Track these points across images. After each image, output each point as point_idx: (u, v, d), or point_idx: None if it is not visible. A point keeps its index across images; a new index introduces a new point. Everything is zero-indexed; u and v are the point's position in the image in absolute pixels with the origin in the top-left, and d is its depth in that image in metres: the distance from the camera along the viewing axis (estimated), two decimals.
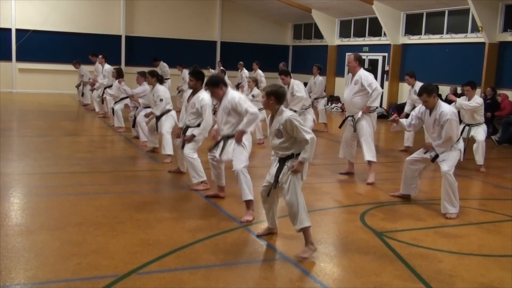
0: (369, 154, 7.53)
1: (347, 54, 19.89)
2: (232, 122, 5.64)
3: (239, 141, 5.56)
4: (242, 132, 5.57)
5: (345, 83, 7.87)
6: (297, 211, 4.41)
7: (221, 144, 5.73)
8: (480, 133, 8.74)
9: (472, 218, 5.92)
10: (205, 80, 6.19)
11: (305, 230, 4.44)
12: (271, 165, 4.73)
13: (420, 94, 6.02)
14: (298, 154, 4.48)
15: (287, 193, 4.46)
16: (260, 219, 5.44)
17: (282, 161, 4.56)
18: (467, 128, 8.82)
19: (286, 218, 5.39)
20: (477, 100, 8.64)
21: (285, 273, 4.16)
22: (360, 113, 7.53)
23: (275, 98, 4.50)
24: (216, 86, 5.72)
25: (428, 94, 5.94)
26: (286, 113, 4.49)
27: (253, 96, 10.70)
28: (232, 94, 5.70)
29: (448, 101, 8.51)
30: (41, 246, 4.49)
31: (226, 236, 4.96)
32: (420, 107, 6.34)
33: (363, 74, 7.47)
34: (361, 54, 18.98)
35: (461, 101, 8.68)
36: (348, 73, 7.88)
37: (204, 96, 6.43)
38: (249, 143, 5.68)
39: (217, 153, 5.76)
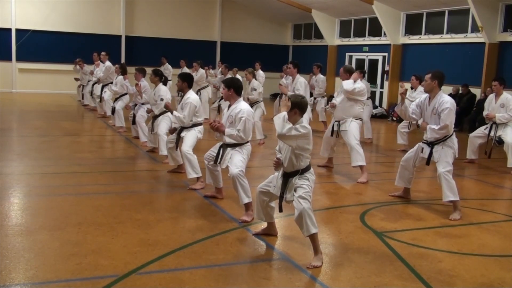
0: (358, 159, 7.59)
1: (347, 54, 20.02)
2: None
3: (213, 127, 5.59)
4: (223, 131, 5.59)
5: (336, 91, 8.10)
6: (303, 217, 4.27)
7: (220, 152, 5.72)
8: (508, 133, 8.75)
9: (472, 218, 5.92)
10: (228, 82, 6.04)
11: (313, 237, 4.34)
12: (277, 174, 4.62)
13: (427, 73, 6.08)
14: (304, 172, 4.42)
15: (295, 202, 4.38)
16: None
17: (287, 175, 4.47)
18: (494, 126, 8.87)
19: (285, 218, 5.40)
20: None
21: (285, 273, 4.16)
22: (348, 120, 7.70)
23: (298, 110, 4.37)
24: (227, 88, 5.73)
25: (432, 77, 5.99)
26: (305, 124, 4.36)
27: (254, 89, 10.70)
28: (242, 107, 5.65)
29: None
30: (41, 246, 4.49)
31: (226, 236, 4.96)
32: (420, 98, 6.38)
33: (357, 82, 7.71)
34: (361, 54, 19.25)
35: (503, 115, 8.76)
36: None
37: (191, 95, 6.77)
38: (247, 152, 5.69)
39: (217, 161, 5.77)
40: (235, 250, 4.63)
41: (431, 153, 6.06)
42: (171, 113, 6.85)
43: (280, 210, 4.61)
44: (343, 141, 7.90)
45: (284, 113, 4.29)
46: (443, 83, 6.10)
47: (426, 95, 6.24)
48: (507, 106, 8.73)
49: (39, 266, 4.07)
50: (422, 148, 6.24)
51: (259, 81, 11.71)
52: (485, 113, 9.10)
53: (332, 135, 7.90)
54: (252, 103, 10.61)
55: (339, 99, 7.83)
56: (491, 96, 9.13)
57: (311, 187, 4.42)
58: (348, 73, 7.76)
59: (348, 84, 7.61)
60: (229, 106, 5.80)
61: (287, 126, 4.23)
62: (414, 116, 6.36)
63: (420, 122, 6.38)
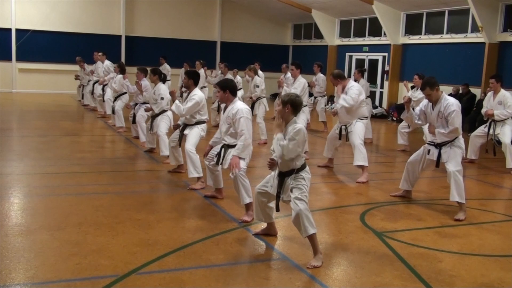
0: (359, 159, 7.58)
1: (347, 54, 20.02)
2: (233, 132, 5.60)
3: (235, 167, 5.32)
4: (238, 158, 5.39)
5: (335, 95, 8.09)
6: (300, 218, 4.28)
7: (222, 152, 5.69)
8: (506, 133, 8.74)
9: (472, 218, 5.92)
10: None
11: (311, 237, 4.34)
12: (273, 174, 4.63)
13: (423, 88, 6.00)
14: (299, 171, 4.42)
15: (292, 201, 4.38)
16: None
17: (282, 175, 4.47)
18: (492, 124, 8.86)
19: (285, 218, 5.39)
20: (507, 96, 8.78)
21: (285, 273, 4.16)
22: (354, 121, 7.68)
23: (291, 107, 4.38)
24: (223, 91, 5.65)
25: (431, 87, 5.92)
26: (299, 125, 4.39)
27: (257, 86, 10.72)
28: (238, 107, 5.56)
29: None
30: (41, 246, 4.49)
31: (226, 236, 4.96)
32: (423, 102, 6.35)
33: (352, 86, 7.65)
34: (361, 54, 19.25)
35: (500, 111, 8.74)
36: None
37: (198, 92, 6.78)
38: (248, 152, 5.64)
39: (217, 161, 5.74)
40: (235, 250, 4.63)
41: (439, 155, 6.04)
42: (173, 101, 6.86)
43: (277, 209, 4.61)
44: (347, 141, 7.86)
45: (278, 136, 4.30)
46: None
47: None
48: (505, 103, 8.73)
49: (39, 266, 4.07)
50: (429, 150, 6.21)
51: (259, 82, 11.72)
52: (483, 110, 9.11)
53: (340, 138, 7.88)
54: (255, 100, 10.69)
55: (339, 105, 7.76)
56: (489, 94, 9.13)
57: (307, 186, 4.42)
58: (339, 79, 7.69)
59: (347, 101, 7.51)
60: (225, 107, 5.76)
61: (289, 147, 4.25)
62: (419, 122, 6.35)
63: (426, 127, 6.36)
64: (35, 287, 3.75)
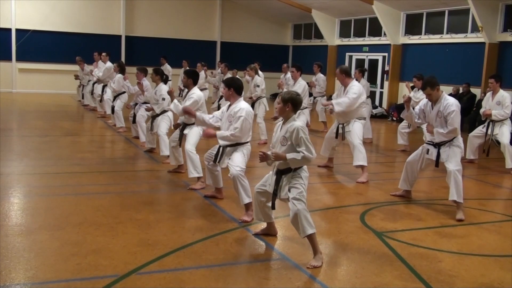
0: (359, 159, 7.56)
1: (347, 54, 20.02)
2: None
3: (206, 136, 5.75)
4: (214, 135, 5.58)
5: (336, 94, 8.03)
6: (298, 218, 4.28)
7: (220, 151, 5.69)
8: (504, 134, 8.73)
9: (472, 218, 5.92)
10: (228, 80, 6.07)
11: (310, 237, 4.34)
12: (271, 173, 4.64)
13: (423, 87, 6.02)
14: (296, 169, 4.41)
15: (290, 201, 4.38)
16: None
17: (280, 173, 4.47)
18: (491, 124, 8.83)
19: (285, 218, 5.39)
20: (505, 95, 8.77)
21: (285, 273, 4.16)
22: (352, 121, 7.65)
23: (292, 105, 4.40)
24: (228, 88, 5.67)
25: (432, 87, 5.93)
26: (297, 122, 4.40)
27: (257, 86, 10.73)
28: (241, 106, 5.57)
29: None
30: (41, 246, 4.49)
31: (226, 236, 4.96)
32: (423, 101, 6.35)
33: (353, 86, 7.59)
34: (361, 54, 19.26)
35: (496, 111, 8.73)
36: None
37: (196, 91, 6.81)
38: (247, 152, 5.65)
39: (217, 161, 5.74)
40: (235, 250, 4.63)
41: (439, 154, 6.04)
42: (172, 100, 6.89)
43: (273, 207, 4.61)
44: (345, 141, 7.88)
45: (292, 155, 4.28)
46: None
47: None
48: (503, 103, 8.73)
49: (39, 266, 4.07)
50: (428, 150, 6.21)
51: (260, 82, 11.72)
52: (481, 110, 9.11)
53: (336, 137, 7.87)
54: (255, 100, 10.70)
55: (336, 109, 7.70)
56: (488, 94, 9.14)
57: (304, 185, 4.42)
58: (344, 74, 7.65)
59: (343, 104, 7.45)
60: (229, 105, 5.77)
61: (310, 149, 4.28)
62: (419, 121, 6.35)
63: (424, 126, 6.35)
64: (35, 287, 3.75)
